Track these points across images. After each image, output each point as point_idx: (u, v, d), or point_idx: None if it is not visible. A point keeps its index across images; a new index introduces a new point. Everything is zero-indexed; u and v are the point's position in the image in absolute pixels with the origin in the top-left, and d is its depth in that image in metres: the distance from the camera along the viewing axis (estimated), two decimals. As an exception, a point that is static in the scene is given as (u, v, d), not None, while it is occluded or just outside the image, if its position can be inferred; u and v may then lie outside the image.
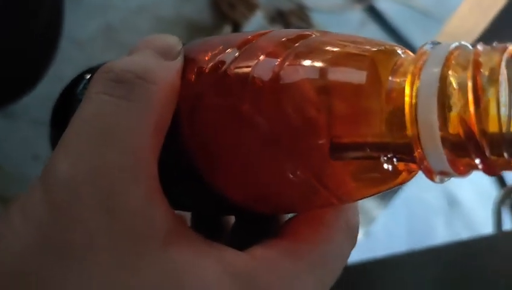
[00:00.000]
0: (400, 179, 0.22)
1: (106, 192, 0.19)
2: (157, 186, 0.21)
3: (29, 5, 0.51)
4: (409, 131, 0.19)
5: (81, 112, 0.21)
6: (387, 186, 0.23)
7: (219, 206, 0.25)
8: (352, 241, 0.24)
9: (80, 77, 0.31)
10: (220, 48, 0.24)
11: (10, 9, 0.48)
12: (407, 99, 0.19)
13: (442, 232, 1.36)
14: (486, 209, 1.18)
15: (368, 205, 0.82)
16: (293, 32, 0.24)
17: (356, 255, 0.81)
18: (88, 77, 0.30)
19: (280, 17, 1.23)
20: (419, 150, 0.20)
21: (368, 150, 0.21)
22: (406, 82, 0.20)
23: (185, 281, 0.19)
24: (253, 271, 0.21)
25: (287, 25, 1.21)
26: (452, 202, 1.41)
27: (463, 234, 1.37)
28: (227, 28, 1.16)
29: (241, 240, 0.23)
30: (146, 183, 0.20)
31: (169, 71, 0.22)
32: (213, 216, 0.31)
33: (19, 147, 0.79)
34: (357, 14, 1.50)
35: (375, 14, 1.54)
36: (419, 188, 1.34)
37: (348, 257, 0.24)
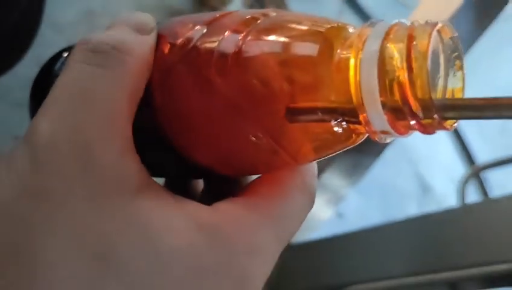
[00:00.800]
0: (349, 141, 0.25)
1: (83, 147, 0.22)
2: (130, 146, 0.23)
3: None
4: (354, 97, 0.22)
5: (61, 79, 0.23)
6: (338, 147, 0.25)
7: (188, 170, 0.27)
8: (310, 199, 0.26)
9: (58, 55, 0.33)
10: (191, 25, 0.26)
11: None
12: (352, 69, 0.22)
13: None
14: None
15: (336, 184, 0.85)
16: (256, 11, 0.27)
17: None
18: (66, 54, 0.32)
19: (258, 4, 1.25)
20: (363, 114, 0.22)
21: (320, 114, 0.23)
22: (351, 54, 0.22)
23: (152, 229, 0.21)
24: (216, 222, 0.23)
25: (265, 12, 1.23)
26: (425, 188, 1.45)
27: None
28: (207, 15, 1.18)
29: (209, 202, 0.25)
30: (119, 141, 0.22)
31: (143, 44, 0.25)
32: (184, 180, 0.33)
33: (0, 128, 0.80)
34: (334, 2, 1.52)
35: (352, 3, 1.56)
36: (393, 174, 1.38)
37: (305, 215, 0.27)
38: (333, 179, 0.83)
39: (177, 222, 0.22)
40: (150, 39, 0.25)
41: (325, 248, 0.73)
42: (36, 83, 0.34)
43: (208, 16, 0.26)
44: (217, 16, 0.26)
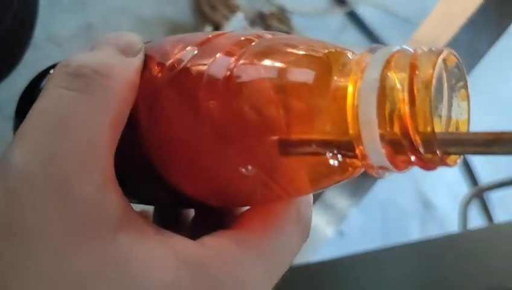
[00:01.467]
0: (345, 175, 0.23)
1: (59, 180, 0.20)
2: (111, 177, 0.21)
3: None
4: (351, 128, 0.20)
5: (38, 105, 0.22)
6: (333, 181, 0.23)
7: (176, 200, 0.26)
8: (304, 231, 0.25)
9: (45, 72, 0.31)
10: (181, 46, 0.24)
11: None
12: (349, 98, 0.21)
13: (416, 235, 1.38)
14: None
15: (339, 203, 0.83)
16: (251, 33, 0.25)
17: (332, 256, 0.82)
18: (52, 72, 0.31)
19: (260, 20, 1.24)
20: (360, 147, 0.21)
21: (315, 146, 0.22)
22: (349, 82, 0.21)
23: (133, 268, 0.20)
24: (202, 258, 0.21)
25: (267, 27, 1.22)
26: (427, 205, 1.43)
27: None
28: (208, 29, 1.17)
29: (200, 233, 0.24)
30: (100, 173, 0.21)
31: (128, 67, 0.23)
32: (173, 209, 0.32)
33: (-5, 142, 0.79)
34: (337, 19, 1.51)
35: (355, 19, 1.55)
36: (394, 191, 1.36)
37: (298, 248, 0.24)
38: (335, 198, 0.82)
39: (160, 259, 0.21)
40: (136, 61, 0.24)
41: (324, 271, 0.71)
42: (21, 102, 0.32)
43: (200, 36, 0.25)
44: (210, 36, 0.25)
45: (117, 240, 0.20)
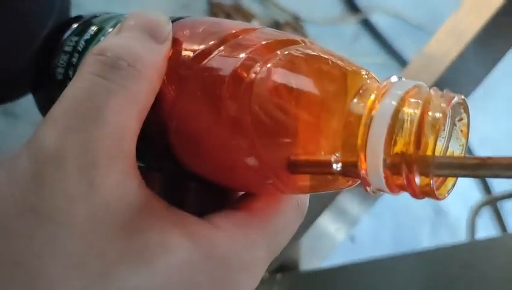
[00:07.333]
0: (345, 185, 0.26)
1: (90, 166, 0.22)
2: (134, 165, 0.23)
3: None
4: (359, 151, 0.22)
5: (72, 89, 0.23)
6: (334, 188, 0.26)
7: (183, 175, 0.28)
8: (301, 218, 0.27)
9: (66, 25, 0.33)
10: (205, 36, 0.25)
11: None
12: (363, 123, 0.22)
13: (427, 240, 1.39)
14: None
15: (350, 209, 0.84)
16: (279, 35, 0.26)
17: (342, 261, 0.83)
18: (75, 26, 0.32)
19: (275, 28, 1.26)
20: (363, 169, 0.23)
21: (321, 167, 0.24)
22: (366, 108, 0.23)
23: (150, 247, 0.22)
24: (213, 239, 0.24)
25: (282, 35, 1.24)
26: (438, 211, 1.44)
27: (447, 242, 1.40)
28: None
29: (200, 204, 0.27)
30: (125, 161, 0.23)
31: (157, 56, 0.25)
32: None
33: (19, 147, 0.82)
34: (351, 27, 1.53)
35: (368, 27, 1.57)
36: (405, 197, 1.37)
37: (296, 228, 0.27)
38: (347, 203, 0.83)
39: (175, 240, 0.23)
40: (165, 48, 0.26)
41: (334, 277, 0.73)
42: (41, 52, 0.34)
43: (224, 28, 0.26)
44: (234, 31, 0.26)
45: (137, 224, 0.22)
